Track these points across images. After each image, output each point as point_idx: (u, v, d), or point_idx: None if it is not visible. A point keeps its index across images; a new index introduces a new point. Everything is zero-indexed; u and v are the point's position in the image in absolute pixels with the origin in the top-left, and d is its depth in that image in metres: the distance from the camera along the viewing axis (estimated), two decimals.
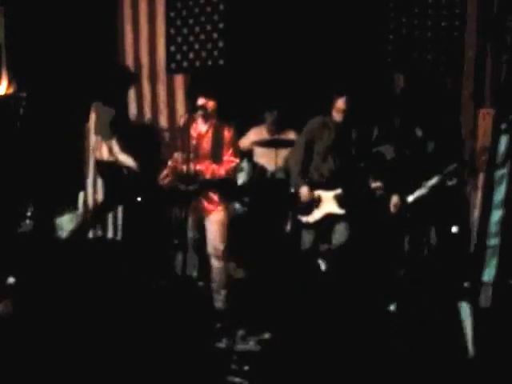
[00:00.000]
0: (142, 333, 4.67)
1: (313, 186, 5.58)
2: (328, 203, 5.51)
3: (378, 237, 5.53)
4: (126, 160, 6.21)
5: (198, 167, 5.03)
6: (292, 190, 5.70)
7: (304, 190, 5.56)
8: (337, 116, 5.49)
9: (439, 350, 4.23)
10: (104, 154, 6.28)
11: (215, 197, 5.11)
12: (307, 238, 5.66)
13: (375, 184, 5.32)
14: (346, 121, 5.44)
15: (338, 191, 5.48)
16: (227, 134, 5.09)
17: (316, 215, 5.56)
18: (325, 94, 5.71)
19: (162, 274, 5.79)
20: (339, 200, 5.47)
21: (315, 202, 5.54)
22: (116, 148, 6.23)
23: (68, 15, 7.00)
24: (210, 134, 5.12)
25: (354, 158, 5.46)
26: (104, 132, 6.24)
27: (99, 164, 6.35)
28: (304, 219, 5.62)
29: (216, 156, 5.09)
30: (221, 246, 5.10)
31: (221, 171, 5.05)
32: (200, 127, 5.17)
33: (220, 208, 5.11)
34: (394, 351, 4.30)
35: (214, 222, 5.11)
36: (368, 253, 5.54)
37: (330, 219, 5.54)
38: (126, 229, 6.34)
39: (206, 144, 5.12)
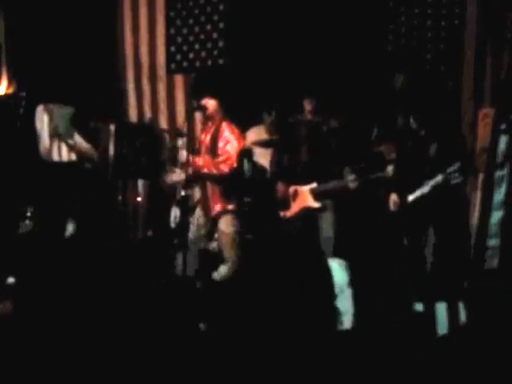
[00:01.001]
0: (142, 333, 4.67)
1: (289, 182, 5.65)
2: (304, 197, 5.58)
3: (375, 235, 5.55)
4: (90, 150, 6.27)
5: (197, 163, 5.24)
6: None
7: (280, 186, 5.66)
8: (308, 114, 5.63)
9: (438, 350, 4.24)
10: (64, 155, 6.26)
11: (220, 195, 5.21)
12: (291, 232, 5.72)
13: (350, 177, 5.37)
14: (316, 119, 5.54)
15: (313, 185, 5.55)
16: (222, 129, 5.19)
17: (293, 209, 5.63)
18: (324, 93, 5.73)
19: (162, 274, 5.80)
20: (314, 194, 5.54)
21: (292, 197, 5.62)
22: (80, 140, 6.27)
23: (68, 15, 7.00)
24: (211, 132, 5.21)
25: (325, 152, 5.52)
26: (64, 131, 6.22)
27: (58, 166, 6.30)
28: (282, 214, 5.70)
29: (212, 151, 5.20)
30: (228, 255, 5.20)
31: (222, 167, 5.17)
32: (202, 127, 5.24)
33: (228, 209, 5.20)
34: (392, 351, 4.31)
35: (222, 231, 5.26)
36: (356, 247, 5.59)
37: (306, 214, 5.59)
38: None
39: (208, 142, 5.22)
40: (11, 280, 5.40)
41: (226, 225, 5.27)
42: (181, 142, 6.87)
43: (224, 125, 5.23)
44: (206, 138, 5.33)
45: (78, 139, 6.29)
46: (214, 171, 5.27)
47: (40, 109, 6.26)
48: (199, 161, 5.33)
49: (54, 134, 6.24)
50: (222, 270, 5.80)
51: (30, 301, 5.11)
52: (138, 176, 6.62)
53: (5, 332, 4.61)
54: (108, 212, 6.32)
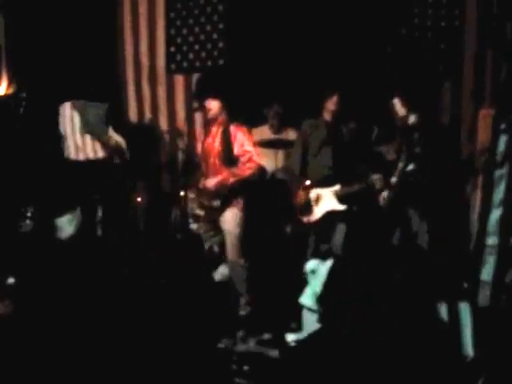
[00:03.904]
0: (142, 332, 4.68)
1: (311, 185, 5.61)
2: (328, 200, 5.53)
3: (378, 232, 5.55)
4: (123, 144, 6.22)
5: (216, 181, 5.10)
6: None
7: (301, 189, 5.58)
8: (327, 115, 5.59)
9: (438, 351, 4.23)
10: (90, 153, 6.16)
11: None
12: (310, 239, 5.66)
13: (375, 176, 5.33)
14: (336, 119, 5.52)
15: (337, 187, 5.51)
16: (234, 131, 5.11)
17: (317, 214, 5.57)
18: (325, 92, 5.73)
19: (162, 274, 5.81)
20: (338, 196, 5.50)
21: (315, 201, 5.56)
22: (115, 134, 6.19)
23: (68, 15, 7.01)
24: (220, 137, 5.13)
25: (347, 154, 5.51)
26: (97, 128, 6.11)
27: (86, 164, 6.19)
28: (305, 219, 5.63)
29: (226, 156, 5.10)
30: (236, 246, 5.15)
31: (248, 166, 5.09)
32: (205, 131, 5.18)
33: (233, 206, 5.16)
34: (392, 352, 4.31)
35: (228, 230, 5.17)
36: (370, 250, 5.56)
37: (331, 217, 5.55)
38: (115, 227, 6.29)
39: (219, 147, 5.13)
40: (11, 280, 5.40)
41: (231, 225, 5.17)
42: (181, 142, 6.89)
43: (233, 128, 5.13)
44: (215, 143, 5.19)
45: (112, 133, 6.18)
46: (241, 174, 5.09)
47: (67, 106, 6.13)
48: (222, 179, 5.12)
49: (86, 131, 6.09)
50: (222, 270, 5.80)
51: (30, 301, 5.11)
52: (138, 176, 6.63)
53: (5, 332, 4.61)
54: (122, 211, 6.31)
